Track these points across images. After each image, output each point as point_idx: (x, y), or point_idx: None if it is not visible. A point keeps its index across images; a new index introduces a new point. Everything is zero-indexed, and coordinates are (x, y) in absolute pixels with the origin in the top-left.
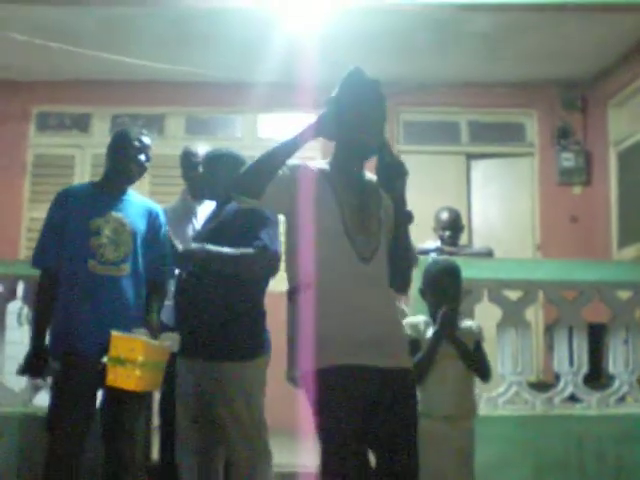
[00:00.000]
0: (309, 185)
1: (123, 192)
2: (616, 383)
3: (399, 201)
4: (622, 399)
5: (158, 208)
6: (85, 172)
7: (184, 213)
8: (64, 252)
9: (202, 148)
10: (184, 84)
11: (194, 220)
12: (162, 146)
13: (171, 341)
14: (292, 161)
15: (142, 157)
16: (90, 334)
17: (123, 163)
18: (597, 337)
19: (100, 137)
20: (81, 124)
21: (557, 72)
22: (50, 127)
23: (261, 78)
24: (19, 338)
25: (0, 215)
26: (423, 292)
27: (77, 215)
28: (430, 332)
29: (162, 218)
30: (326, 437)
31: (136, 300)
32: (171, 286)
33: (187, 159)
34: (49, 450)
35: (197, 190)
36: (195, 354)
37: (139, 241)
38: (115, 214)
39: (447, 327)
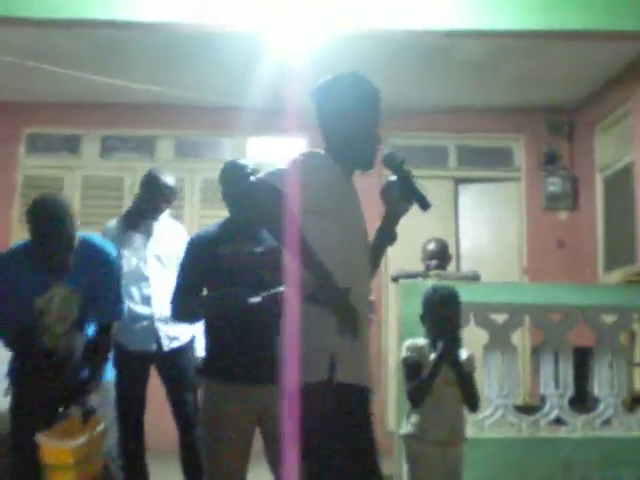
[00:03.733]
0: (341, 187)
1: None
2: (601, 406)
3: (397, 221)
4: (607, 422)
5: (103, 245)
6: (74, 193)
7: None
8: (9, 326)
9: (169, 178)
10: (174, 107)
11: (146, 241)
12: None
13: (104, 424)
14: (318, 154)
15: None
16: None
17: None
18: (582, 360)
19: (90, 159)
20: (71, 146)
21: (544, 98)
22: (40, 148)
23: (251, 102)
24: (6, 358)
25: None
26: (423, 318)
27: (18, 293)
28: (432, 356)
29: (111, 254)
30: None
31: (82, 359)
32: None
33: (154, 188)
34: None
35: (152, 215)
36: (264, 380)
37: (86, 301)
38: (58, 289)
39: (451, 352)
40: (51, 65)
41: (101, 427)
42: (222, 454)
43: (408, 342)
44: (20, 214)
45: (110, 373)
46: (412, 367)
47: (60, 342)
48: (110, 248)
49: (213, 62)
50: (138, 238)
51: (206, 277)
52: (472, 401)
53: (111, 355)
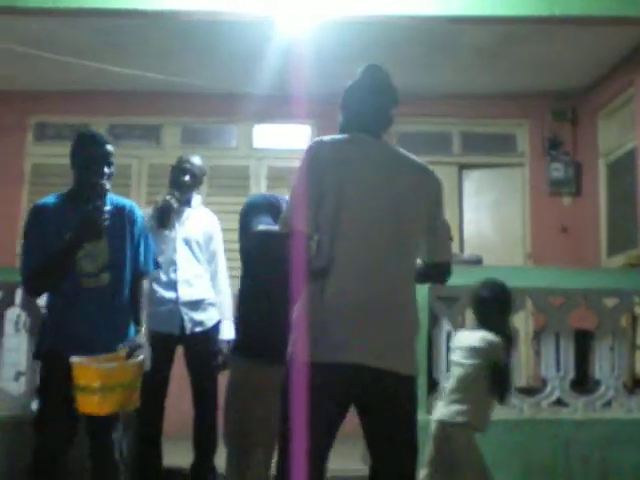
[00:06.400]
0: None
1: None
2: (602, 388)
3: None
4: (608, 404)
5: (131, 204)
6: None
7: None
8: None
9: (196, 158)
10: (180, 94)
11: (177, 225)
12: (158, 156)
13: (143, 356)
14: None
15: (106, 169)
16: (75, 340)
17: (90, 180)
18: (584, 343)
19: None
20: None
21: (548, 83)
22: (47, 137)
23: (256, 89)
24: (17, 345)
25: None
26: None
27: (53, 229)
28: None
29: (137, 212)
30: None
31: (119, 308)
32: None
33: (180, 164)
34: (36, 449)
35: (182, 196)
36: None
37: (116, 245)
38: None
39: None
40: (58, 54)
41: (137, 359)
42: (255, 431)
43: (489, 337)
44: (28, 202)
45: None
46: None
47: (91, 282)
48: (132, 203)
49: (219, 49)
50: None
51: None
52: (498, 391)
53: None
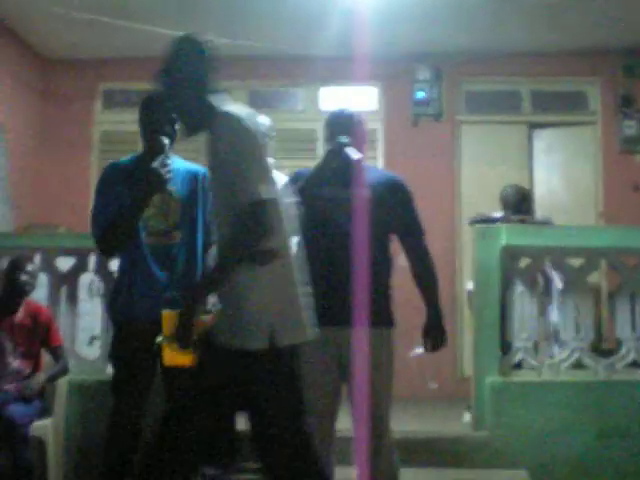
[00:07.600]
0: None
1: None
2: None
3: None
4: None
5: (204, 171)
6: None
7: None
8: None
9: (261, 117)
10: (247, 58)
11: None
12: None
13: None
14: None
15: (167, 129)
16: (144, 302)
17: (151, 138)
18: None
19: None
20: None
21: (620, 39)
22: (116, 104)
23: (321, 52)
24: (91, 310)
25: (68, 190)
26: None
27: (122, 189)
28: None
29: (204, 175)
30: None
31: (189, 267)
32: None
33: None
34: (113, 415)
35: None
36: (345, 322)
37: (188, 207)
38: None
39: None
40: (125, 21)
41: (209, 318)
42: (313, 398)
43: None
44: (98, 169)
45: None
46: None
47: (162, 240)
48: (205, 170)
49: (283, 12)
50: None
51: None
52: None
53: None
